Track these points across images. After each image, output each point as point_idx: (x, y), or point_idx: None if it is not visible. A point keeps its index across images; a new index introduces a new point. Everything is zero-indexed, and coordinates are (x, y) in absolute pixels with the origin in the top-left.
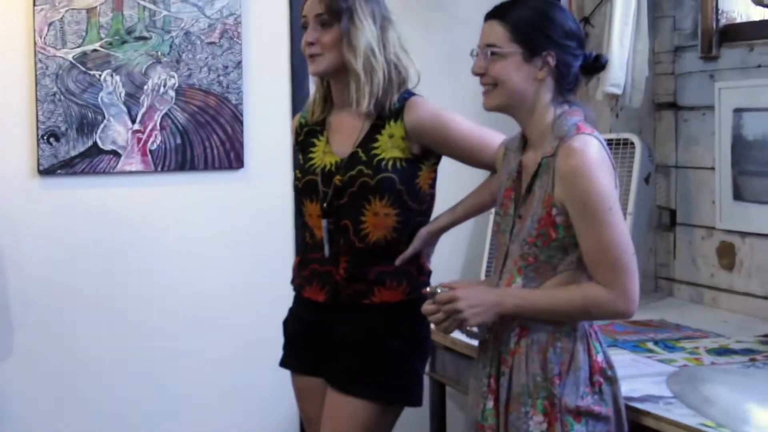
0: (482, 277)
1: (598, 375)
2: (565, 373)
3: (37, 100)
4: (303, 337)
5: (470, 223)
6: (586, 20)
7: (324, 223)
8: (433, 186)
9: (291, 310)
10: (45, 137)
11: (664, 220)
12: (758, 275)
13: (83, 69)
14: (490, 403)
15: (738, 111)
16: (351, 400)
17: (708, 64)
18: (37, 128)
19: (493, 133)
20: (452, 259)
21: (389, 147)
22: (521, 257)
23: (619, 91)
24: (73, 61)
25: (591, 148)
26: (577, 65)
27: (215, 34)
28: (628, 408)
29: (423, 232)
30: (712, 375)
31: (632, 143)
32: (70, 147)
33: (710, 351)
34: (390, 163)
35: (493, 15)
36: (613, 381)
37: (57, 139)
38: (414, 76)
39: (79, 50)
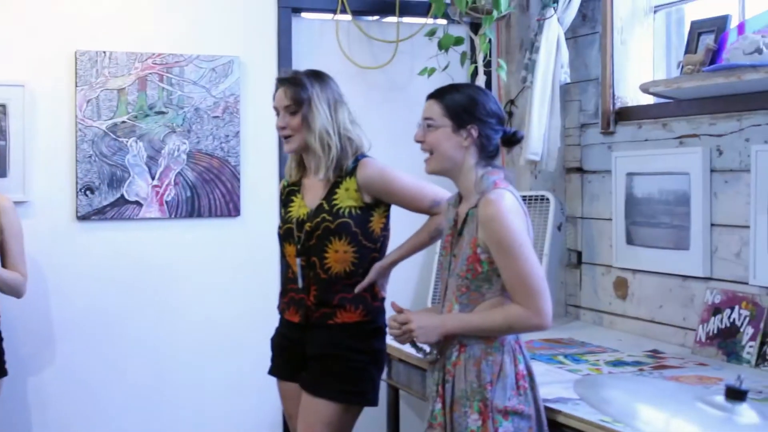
0: (428, 304)
1: (522, 381)
2: (496, 381)
3: (76, 160)
4: (285, 351)
5: (419, 259)
6: (512, 102)
7: (298, 260)
8: (385, 228)
9: (276, 329)
10: (82, 190)
11: (572, 260)
12: (645, 303)
13: (114, 136)
14: (438, 405)
15: (630, 175)
16: (319, 401)
17: (606, 137)
18: (77, 183)
19: (428, 186)
20: (405, 290)
21: (346, 198)
22: (457, 288)
23: (537, 158)
24: (106, 130)
25: (504, 200)
26: (497, 137)
27: (219, 110)
28: (545, 408)
29: (377, 266)
30: (609, 381)
31: (548, 199)
32: (103, 198)
33: (608, 363)
34: (347, 211)
35: (432, 96)
36: (533, 386)
37: (92, 192)
38: (365, 142)
39: (110, 122)
